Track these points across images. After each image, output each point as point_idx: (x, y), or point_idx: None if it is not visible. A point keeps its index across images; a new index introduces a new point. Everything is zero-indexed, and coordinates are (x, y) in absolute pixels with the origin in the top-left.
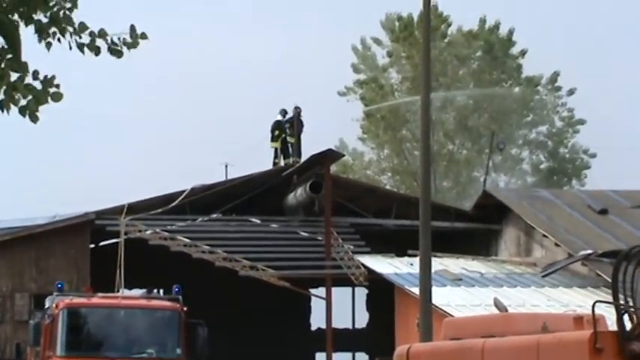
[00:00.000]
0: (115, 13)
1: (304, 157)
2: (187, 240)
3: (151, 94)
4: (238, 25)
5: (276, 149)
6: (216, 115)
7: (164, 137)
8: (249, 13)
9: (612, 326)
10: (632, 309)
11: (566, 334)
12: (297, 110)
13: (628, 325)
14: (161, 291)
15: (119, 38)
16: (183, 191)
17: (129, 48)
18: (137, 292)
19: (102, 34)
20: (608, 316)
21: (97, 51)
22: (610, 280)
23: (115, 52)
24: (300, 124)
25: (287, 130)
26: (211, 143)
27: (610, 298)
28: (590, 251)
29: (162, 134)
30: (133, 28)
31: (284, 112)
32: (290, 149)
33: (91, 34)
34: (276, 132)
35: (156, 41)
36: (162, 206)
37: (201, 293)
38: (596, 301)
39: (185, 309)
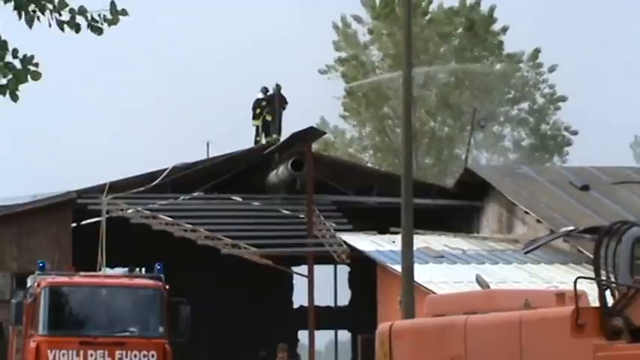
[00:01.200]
0: None
1: (286, 136)
2: (169, 218)
3: (133, 73)
4: (219, 3)
5: (257, 127)
6: (198, 93)
7: (146, 116)
8: None
9: (594, 302)
10: (614, 285)
11: (549, 310)
12: (278, 87)
13: (610, 301)
14: (143, 269)
15: (99, 15)
16: (165, 169)
17: (109, 25)
18: (119, 270)
19: (82, 10)
20: (590, 292)
21: (77, 28)
22: (592, 256)
23: (95, 29)
24: (283, 100)
25: (265, 107)
26: (193, 122)
27: (592, 274)
28: (571, 227)
29: (144, 113)
30: (113, 4)
31: (265, 90)
32: (270, 127)
33: (71, 11)
34: (258, 110)
35: (137, 20)
36: (143, 185)
37: (184, 271)
38: (578, 277)
39: (167, 287)
